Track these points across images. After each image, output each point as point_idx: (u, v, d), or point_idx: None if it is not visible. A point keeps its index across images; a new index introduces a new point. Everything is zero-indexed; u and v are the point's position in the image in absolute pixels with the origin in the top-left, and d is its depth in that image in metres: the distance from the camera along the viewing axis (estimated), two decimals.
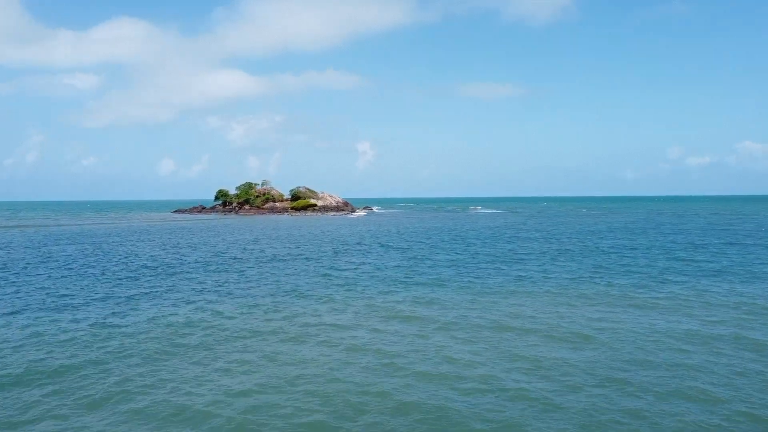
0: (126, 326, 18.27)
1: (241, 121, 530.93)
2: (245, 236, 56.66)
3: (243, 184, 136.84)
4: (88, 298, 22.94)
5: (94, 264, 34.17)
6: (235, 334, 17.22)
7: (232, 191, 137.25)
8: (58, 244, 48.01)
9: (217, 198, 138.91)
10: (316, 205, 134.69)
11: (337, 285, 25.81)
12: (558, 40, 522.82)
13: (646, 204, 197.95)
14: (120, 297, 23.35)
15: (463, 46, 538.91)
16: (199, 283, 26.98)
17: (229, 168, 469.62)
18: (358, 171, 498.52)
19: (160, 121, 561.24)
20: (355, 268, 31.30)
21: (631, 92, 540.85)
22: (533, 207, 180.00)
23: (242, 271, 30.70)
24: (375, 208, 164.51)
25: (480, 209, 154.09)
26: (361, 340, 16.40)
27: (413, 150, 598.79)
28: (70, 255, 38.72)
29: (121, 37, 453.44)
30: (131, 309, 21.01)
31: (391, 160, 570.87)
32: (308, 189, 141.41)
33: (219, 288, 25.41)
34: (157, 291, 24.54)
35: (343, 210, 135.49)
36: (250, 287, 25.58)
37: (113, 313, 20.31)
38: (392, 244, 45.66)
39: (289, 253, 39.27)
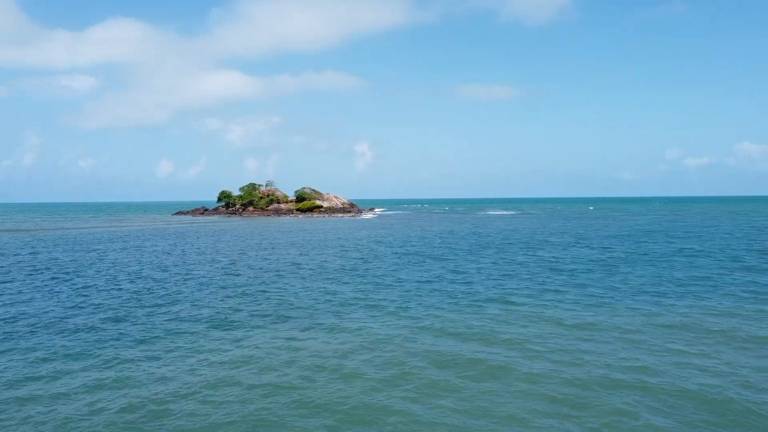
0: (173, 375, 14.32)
1: (239, 123, 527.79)
2: (258, 241, 52.71)
3: (246, 185, 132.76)
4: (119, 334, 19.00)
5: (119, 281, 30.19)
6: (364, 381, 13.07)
7: (235, 192, 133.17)
8: (72, 250, 44.01)
9: (219, 199, 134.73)
10: (322, 207, 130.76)
11: (411, 302, 21.90)
12: (556, 41, 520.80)
13: (649, 204, 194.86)
14: (157, 330, 19.39)
15: (462, 46, 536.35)
16: (254, 307, 23.03)
17: (227, 169, 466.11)
18: (356, 172, 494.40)
19: (157, 122, 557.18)
20: (409, 281, 27.41)
21: (630, 93, 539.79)
22: (542, 208, 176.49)
23: (285, 288, 26.74)
24: (381, 210, 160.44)
25: (491, 211, 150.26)
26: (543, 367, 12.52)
27: (412, 151, 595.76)
28: (75, 261, 34.88)
29: (118, 38, 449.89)
30: (178, 349, 17.04)
31: (390, 161, 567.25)
32: (313, 190, 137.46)
33: (282, 312, 21.32)
34: (217, 319, 20.34)
35: (349, 212, 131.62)
36: (315, 309, 21.64)
37: (164, 351, 16.36)
38: (425, 251, 41.75)
39: (322, 264, 35.38)
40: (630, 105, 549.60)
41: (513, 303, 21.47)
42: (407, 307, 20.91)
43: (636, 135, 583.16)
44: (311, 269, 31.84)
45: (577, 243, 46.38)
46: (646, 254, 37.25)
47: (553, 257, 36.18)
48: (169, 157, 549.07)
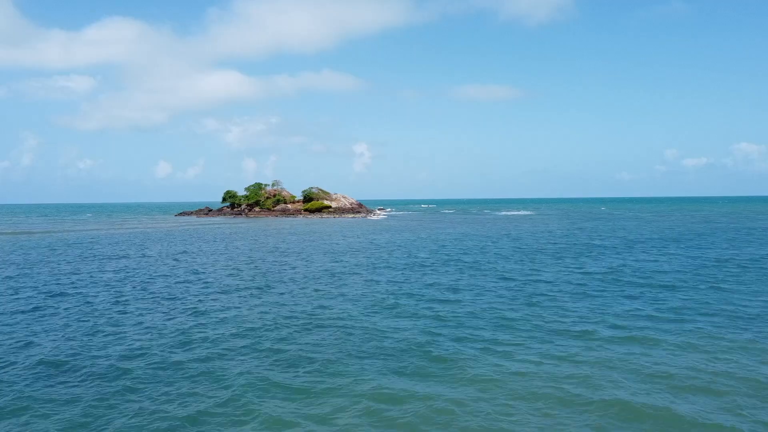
0: None
1: (237, 123, 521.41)
2: (275, 244, 48.09)
3: (252, 185, 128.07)
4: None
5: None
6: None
7: (240, 192, 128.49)
8: (89, 258, 39.36)
9: (224, 199, 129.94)
10: (330, 207, 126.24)
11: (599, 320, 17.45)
12: (555, 40, 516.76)
13: (652, 205, 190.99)
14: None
15: (461, 46, 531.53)
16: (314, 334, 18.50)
17: (225, 170, 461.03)
18: (354, 173, 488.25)
19: (155, 123, 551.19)
20: (480, 296, 22.96)
21: (628, 93, 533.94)
22: (553, 208, 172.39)
23: (329, 306, 22.25)
24: (390, 210, 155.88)
25: (505, 212, 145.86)
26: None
27: (411, 152, 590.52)
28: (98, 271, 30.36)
29: (115, 38, 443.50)
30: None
31: (388, 162, 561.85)
32: (321, 190, 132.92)
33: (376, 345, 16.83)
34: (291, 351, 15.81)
35: (359, 212, 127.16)
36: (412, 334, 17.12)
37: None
38: (465, 259, 37.33)
39: (364, 273, 30.90)
40: (628, 105, 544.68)
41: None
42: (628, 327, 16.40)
43: (634, 135, 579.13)
44: (349, 273, 27.33)
45: (658, 247, 42.02)
46: (756, 259, 32.78)
47: (655, 263, 31.79)
48: (168, 157, 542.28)
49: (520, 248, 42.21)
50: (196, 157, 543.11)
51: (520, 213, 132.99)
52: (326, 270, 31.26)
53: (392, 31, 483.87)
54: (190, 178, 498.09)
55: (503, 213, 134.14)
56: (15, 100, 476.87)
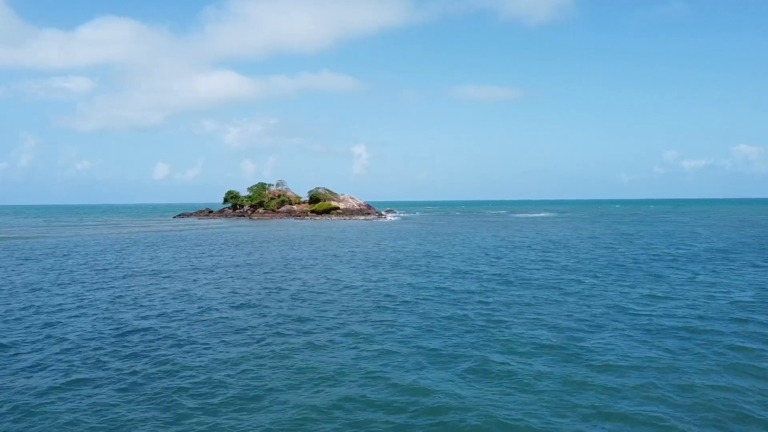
0: None
1: (236, 124, 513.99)
2: (295, 256, 41.39)
3: (255, 185, 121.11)
4: None
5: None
6: None
7: (243, 193, 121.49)
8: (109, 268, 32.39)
9: (226, 200, 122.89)
10: (338, 208, 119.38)
11: None
12: (555, 41, 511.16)
13: (646, 205, 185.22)
14: None
15: (460, 47, 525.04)
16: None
17: (224, 171, 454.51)
18: (353, 174, 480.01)
19: (153, 123, 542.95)
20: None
21: (627, 93, 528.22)
22: (570, 209, 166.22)
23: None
24: (400, 212, 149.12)
25: (521, 214, 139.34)
26: None
27: (411, 152, 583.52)
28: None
29: (111, 38, 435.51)
30: None
31: (388, 162, 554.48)
32: (328, 190, 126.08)
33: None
34: None
35: (368, 213, 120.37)
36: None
37: None
38: (531, 276, 30.79)
39: (437, 295, 24.24)
40: (628, 105, 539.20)
41: None
42: None
43: (633, 136, 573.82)
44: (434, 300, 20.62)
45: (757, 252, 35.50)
46: None
47: None
48: (166, 158, 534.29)
49: (616, 261, 35.62)
50: (195, 157, 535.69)
51: (540, 215, 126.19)
52: (419, 316, 24.12)
53: (392, 31, 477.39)
54: (189, 179, 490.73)
55: (521, 215, 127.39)
56: (13, 101, 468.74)
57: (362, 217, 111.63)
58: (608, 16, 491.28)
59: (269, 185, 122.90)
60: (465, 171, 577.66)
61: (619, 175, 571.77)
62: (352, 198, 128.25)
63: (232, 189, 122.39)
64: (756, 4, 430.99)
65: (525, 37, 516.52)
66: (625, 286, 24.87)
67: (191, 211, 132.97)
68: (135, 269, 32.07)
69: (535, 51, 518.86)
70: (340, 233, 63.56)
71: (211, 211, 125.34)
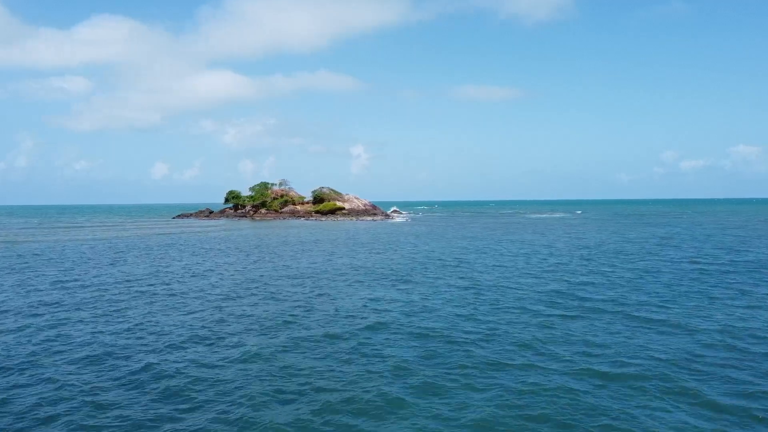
0: None
1: (235, 124, 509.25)
2: (308, 263, 36.92)
3: (258, 185, 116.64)
4: None
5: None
6: None
7: (244, 193, 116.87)
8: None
9: (227, 200, 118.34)
10: (344, 209, 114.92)
11: None
12: (554, 41, 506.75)
13: (646, 205, 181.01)
14: None
15: (460, 46, 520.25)
16: None
17: (223, 171, 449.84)
18: (353, 174, 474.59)
19: (151, 123, 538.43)
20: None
21: (628, 93, 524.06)
22: (579, 209, 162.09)
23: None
24: (406, 213, 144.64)
25: (532, 214, 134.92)
26: None
27: (410, 152, 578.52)
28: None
29: (107, 37, 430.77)
30: None
31: (388, 162, 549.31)
32: (332, 190, 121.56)
33: None
34: None
35: (374, 214, 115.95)
36: None
37: None
38: (597, 297, 26.39)
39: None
40: (628, 105, 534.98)
41: None
42: None
43: (633, 136, 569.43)
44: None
45: None
46: None
47: None
48: (165, 158, 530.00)
49: (686, 271, 31.15)
50: (194, 158, 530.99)
51: (555, 216, 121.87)
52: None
53: (391, 30, 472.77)
54: (188, 179, 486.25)
55: (534, 216, 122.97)
56: (10, 101, 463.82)
57: (369, 218, 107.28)
58: (608, 16, 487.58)
59: (272, 185, 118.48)
60: (465, 171, 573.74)
61: (619, 175, 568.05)
62: (357, 198, 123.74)
63: (230, 189, 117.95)
64: (756, 4, 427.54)
65: (525, 37, 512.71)
66: (736, 306, 20.39)
67: (191, 212, 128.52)
68: (133, 285, 27.54)
69: (535, 51, 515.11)
70: (357, 236, 59.06)
71: (211, 212, 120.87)
